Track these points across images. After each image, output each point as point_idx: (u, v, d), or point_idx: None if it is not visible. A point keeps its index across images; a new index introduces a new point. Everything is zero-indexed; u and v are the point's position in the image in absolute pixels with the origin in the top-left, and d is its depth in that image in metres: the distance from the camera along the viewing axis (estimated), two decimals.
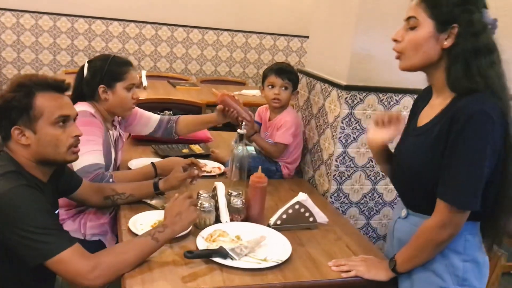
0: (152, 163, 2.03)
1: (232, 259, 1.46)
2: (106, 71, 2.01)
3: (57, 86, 1.40)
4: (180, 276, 1.37)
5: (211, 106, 4.62)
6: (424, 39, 1.29)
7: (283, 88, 2.23)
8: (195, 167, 1.91)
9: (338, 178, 2.13)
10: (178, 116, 2.43)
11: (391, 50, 1.37)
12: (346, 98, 2.03)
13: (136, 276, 1.35)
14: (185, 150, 2.55)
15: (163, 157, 2.34)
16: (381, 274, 1.45)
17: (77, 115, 1.47)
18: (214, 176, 2.22)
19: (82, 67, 2.06)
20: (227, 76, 5.17)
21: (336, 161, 2.10)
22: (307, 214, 1.75)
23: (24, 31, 4.61)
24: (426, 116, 1.38)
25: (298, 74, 2.35)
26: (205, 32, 5.06)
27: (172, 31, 4.96)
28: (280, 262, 1.48)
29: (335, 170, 2.11)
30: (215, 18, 5.05)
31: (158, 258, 1.46)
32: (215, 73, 5.20)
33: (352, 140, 2.09)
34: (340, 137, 2.07)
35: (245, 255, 1.50)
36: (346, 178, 2.13)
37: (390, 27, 1.44)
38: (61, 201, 1.76)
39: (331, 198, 2.15)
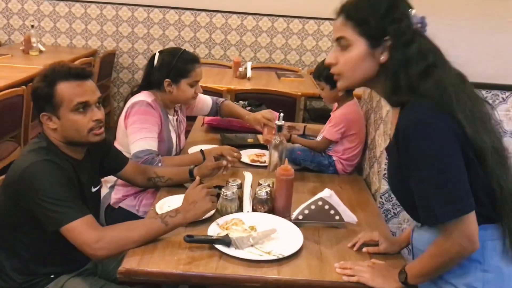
0: (201, 150, 2.11)
1: (235, 248, 1.47)
2: (173, 67, 2.13)
3: (77, 74, 1.53)
4: (177, 259, 1.42)
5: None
6: (359, 59, 1.19)
7: (321, 89, 2.21)
8: (224, 158, 1.94)
9: None
10: (222, 100, 2.61)
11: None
12: None
13: (135, 255, 1.43)
14: (250, 140, 2.59)
15: (225, 145, 2.41)
16: (388, 284, 1.33)
17: (101, 98, 1.59)
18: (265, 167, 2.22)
19: (153, 56, 2.21)
20: (282, 64, 5.05)
21: (387, 159, 1.95)
22: (332, 212, 1.67)
23: (121, 23, 5.02)
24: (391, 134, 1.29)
25: None
26: (259, 18, 4.99)
27: (226, 18, 4.98)
28: (281, 256, 1.45)
29: (385, 168, 1.97)
30: (266, 2, 4.93)
31: (168, 239, 1.52)
32: (270, 60, 5.11)
33: None
34: (390, 133, 1.92)
35: (251, 246, 1.50)
36: None
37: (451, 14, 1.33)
38: None
39: (381, 198, 2.01)
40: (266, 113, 2.41)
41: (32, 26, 4.63)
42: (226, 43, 5.06)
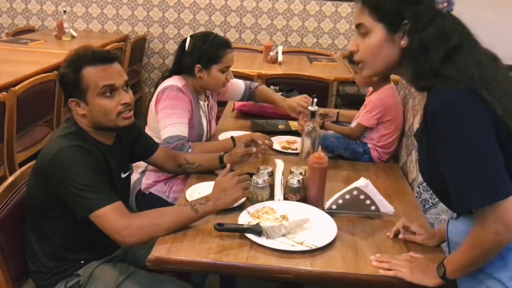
0: (232, 136, 2.07)
1: (266, 237, 1.43)
2: (204, 52, 2.08)
3: (103, 58, 1.50)
4: (207, 248, 1.39)
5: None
6: (379, 45, 1.16)
7: (355, 73, 2.16)
8: (254, 144, 1.89)
9: None
10: (256, 85, 2.52)
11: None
12: None
13: (165, 243, 1.40)
14: (281, 126, 2.53)
15: (255, 131, 2.36)
16: (428, 279, 1.26)
17: (127, 81, 1.55)
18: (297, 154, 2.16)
19: (184, 40, 2.16)
20: (314, 48, 4.91)
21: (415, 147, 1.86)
22: (367, 202, 1.60)
23: (152, 7, 4.97)
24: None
25: None
26: (291, 1, 4.85)
27: (257, 1, 4.85)
28: (314, 247, 1.39)
29: None
30: None
31: (198, 227, 1.49)
32: (301, 44, 4.97)
33: None
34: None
35: (283, 235, 1.45)
36: None
37: None
38: None
39: (419, 188, 1.92)
40: (301, 99, 2.34)
41: (65, 11, 4.66)
42: (257, 27, 4.98)
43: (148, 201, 2.08)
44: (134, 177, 2.11)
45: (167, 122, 1.99)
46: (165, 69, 4.91)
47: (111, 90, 1.49)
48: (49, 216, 1.52)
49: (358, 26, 1.20)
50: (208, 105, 2.27)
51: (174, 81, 2.09)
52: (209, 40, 2.10)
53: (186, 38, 2.16)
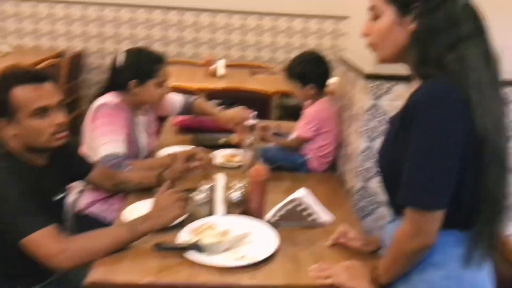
0: (169, 153, 2.05)
1: (207, 254, 1.42)
2: (139, 67, 2.06)
3: (34, 77, 1.45)
4: (146, 268, 1.36)
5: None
6: (389, 27, 1.15)
7: (293, 88, 2.19)
8: (194, 160, 1.88)
9: (364, 174, 1.95)
10: (195, 98, 2.51)
11: None
12: (370, 87, 1.84)
13: (102, 265, 1.36)
14: (221, 140, 2.53)
15: (197, 146, 2.35)
16: (364, 285, 1.30)
17: (62, 100, 1.51)
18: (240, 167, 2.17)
19: (116, 57, 2.13)
20: (254, 61, 5.01)
21: (360, 156, 1.93)
22: (307, 212, 1.63)
23: (89, 22, 4.88)
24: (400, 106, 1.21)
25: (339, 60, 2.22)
26: (230, 15, 4.91)
27: (197, 15, 4.88)
28: (255, 261, 1.40)
29: (360, 165, 1.94)
30: (239, 1, 4.83)
31: (137, 247, 1.46)
32: (242, 58, 5.07)
33: (378, 134, 1.90)
34: (364, 130, 1.90)
35: (224, 251, 1.45)
36: (373, 175, 1.95)
37: None
38: None
39: (356, 196, 1.98)
40: (238, 111, 2.35)
41: None
42: (197, 41, 4.98)
43: (86, 223, 2.00)
44: (71, 198, 2.04)
45: (103, 140, 1.94)
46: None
47: (43, 110, 1.44)
48: None
49: (371, 9, 1.19)
50: (147, 120, 2.23)
51: (109, 97, 2.05)
52: (144, 55, 2.08)
53: (118, 54, 2.12)
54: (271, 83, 3.95)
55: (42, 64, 3.84)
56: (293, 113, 4.26)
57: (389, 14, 1.15)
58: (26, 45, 4.91)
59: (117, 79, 2.09)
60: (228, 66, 4.44)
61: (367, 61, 1.88)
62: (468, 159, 1.08)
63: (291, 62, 2.21)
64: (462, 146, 1.06)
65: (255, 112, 1.98)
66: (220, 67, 4.09)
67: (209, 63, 4.06)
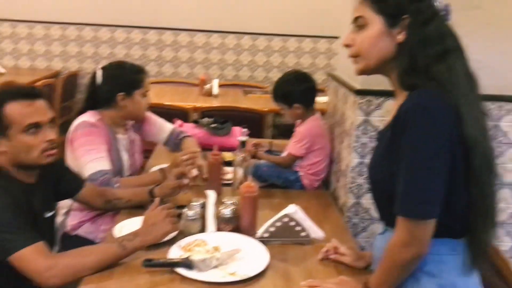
0: (161, 168, 2.04)
1: (198, 270, 1.41)
2: (126, 79, 2.06)
3: (27, 94, 1.45)
4: (135, 285, 1.34)
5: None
6: (376, 37, 1.17)
7: (281, 109, 2.20)
8: (185, 177, 1.87)
9: (355, 190, 1.95)
10: (185, 135, 2.39)
11: None
12: (360, 103, 1.86)
13: (91, 283, 1.34)
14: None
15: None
16: None
17: (53, 117, 1.51)
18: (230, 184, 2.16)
19: (94, 74, 2.09)
20: (249, 81, 5.05)
21: (353, 172, 1.93)
22: (298, 228, 1.63)
23: (85, 43, 4.94)
24: (388, 120, 1.22)
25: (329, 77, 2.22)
26: (225, 36, 5.00)
27: (192, 36, 4.97)
28: (245, 277, 1.39)
29: (352, 182, 1.94)
30: (232, 20, 4.92)
31: (127, 264, 1.44)
32: (237, 78, 5.11)
33: (369, 150, 1.91)
34: (355, 146, 1.90)
35: (214, 267, 1.43)
36: (366, 191, 1.95)
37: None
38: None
39: (348, 212, 1.98)
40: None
41: None
42: (192, 61, 5.03)
43: (74, 244, 1.90)
44: (58, 219, 2.00)
45: (87, 159, 1.91)
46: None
47: (36, 127, 1.44)
48: None
49: (357, 19, 1.20)
50: (128, 137, 2.18)
51: (87, 117, 2.03)
52: (126, 67, 2.09)
53: (95, 72, 2.09)
54: (264, 102, 3.97)
55: (38, 83, 3.86)
56: (287, 132, 4.29)
57: (377, 24, 1.17)
58: (23, 65, 4.95)
59: (100, 96, 2.06)
60: (222, 85, 4.48)
61: (358, 78, 1.90)
62: (458, 167, 1.09)
63: (275, 84, 2.23)
64: (451, 154, 1.08)
65: (246, 129, 1.98)
66: (214, 86, 4.12)
67: (204, 82, 4.09)
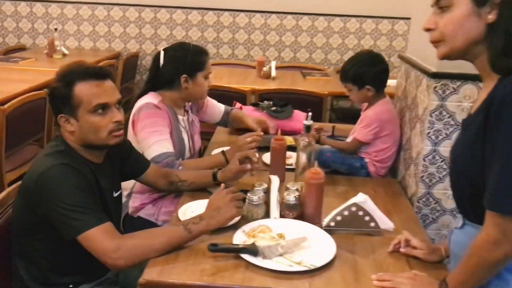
0: (222, 151, 2.01)
1: (262, 257, 1.37)
2: (189, 61, 2.04)
3: (96, 74, 1.45)
4: (201, 269, 1.32)
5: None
6: (463, 18, 1.07)
7: (349, 91, 2.09)
8: (248, 161, 1.82)
9: (427, 180, 1.84)
10: (231, 108, 2.47)
11: None
12: (435, 87, 1.74)
13: (157, 265, 1.34)
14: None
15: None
16: None
17: (120, 99, 1.50)
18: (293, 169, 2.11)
19: (157, 55, 2.08)
20: (307, 63, 4.89)
21: (424, 160, 1.82)
22: (366, 218, 1.55)
23: (144, 24, 4.98)
24: (476, 105, 1.12)
25: (400, 59, 2.10)
26: (283, 17, 4.85)
27: (250, 17, 4.86)
28: (313, 267, 1.33)
29: (423, 171, 1.83)
30: (290, 1, 4.79)
31: (191, 247, 1.43)
32: (294, 59, 4.95)
33: (444, 137, 1.79)
34: (428, 133, 1.79)
35: (280, 255, 1.39)
36: (438, 181, 1.84)
37: None
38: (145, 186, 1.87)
39: (418, 202, 1.87)
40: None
41: (56, 29, 4.63)
42: (250, 43, 4.97)
43: (137, 225, 1.99)
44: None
45: (150, 141, 1.91)
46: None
47: (103, 107, 1.44)
48: (35, 238, 1.45)
49: (439, 0, 1.12)
50: (188, 119, 2.18)
51: (149, 98, 2.02)
52: (190, 49, 2.06)
53: (159, 53, 2.08)
54: (324, 84, 3.87)
55: (99, 65, 3.93)
56: (347, 116, 4.19)
57: (462, 4, 1.08)
58: (85, 46, 5.08)
59: (163, 77, 2.05)
60: (279, 67, 4.40)
61: (431, 60, 1.78)
62: None
63: (345, 64, 2.12)
64: None
65: (311, 113, 1.90)
66: (272, 68, 4.05)
67: (261, 64, 4.03)
